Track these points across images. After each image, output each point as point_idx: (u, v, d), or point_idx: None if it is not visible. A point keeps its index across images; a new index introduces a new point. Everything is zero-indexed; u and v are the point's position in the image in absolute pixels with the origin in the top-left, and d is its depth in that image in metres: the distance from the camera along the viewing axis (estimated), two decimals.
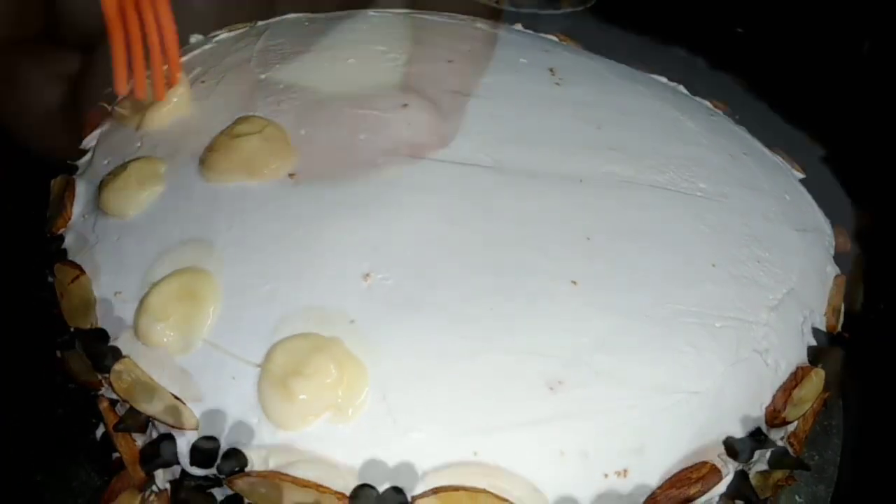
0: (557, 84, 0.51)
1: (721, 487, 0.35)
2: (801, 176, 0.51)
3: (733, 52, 0.86)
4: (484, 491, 0.32)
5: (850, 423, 0.48)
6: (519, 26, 0.62)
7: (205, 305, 0.37)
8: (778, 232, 0.44)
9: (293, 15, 0.58)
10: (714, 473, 0.35)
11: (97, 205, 0.43)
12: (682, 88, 0.57)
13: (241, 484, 0.32)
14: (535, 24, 0.63)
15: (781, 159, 0.52)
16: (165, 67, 0.40)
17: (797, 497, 0.44)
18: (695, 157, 0.47)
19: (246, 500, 0.34)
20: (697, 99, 0.57)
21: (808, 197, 0.49)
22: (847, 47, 0.85)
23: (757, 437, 0.36)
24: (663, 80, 0.58)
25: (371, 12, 0.57)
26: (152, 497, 0.36)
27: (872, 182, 0.68)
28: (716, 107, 0.56)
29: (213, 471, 0.33)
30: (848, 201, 0.51)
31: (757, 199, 0.46)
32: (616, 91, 0.51)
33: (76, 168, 0.47)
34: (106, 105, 0.50)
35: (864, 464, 0.47)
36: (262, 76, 0.49)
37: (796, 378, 0.38)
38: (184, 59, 0.54)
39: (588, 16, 0.88)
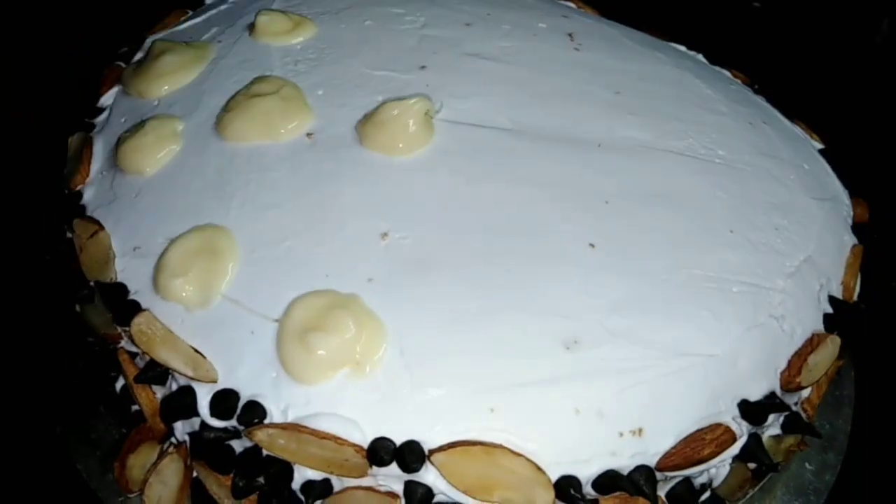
0: (576, 49, 0.50)
1: (735, 449, 0.35)
2: (821, 146, 0.50)
3: (751, 25, 0.85)
4: (500, 446, 0.32)
5: (862, 392, 0.48)
6: None
7: (223, 261, 0.37)
8: (796, 200, 0.44)
9: None
10: (728, 435, 0.35)
11: (115, 162, 0.43)
12: (700, 57, 0.57)
13: (260, 435, 0.33)
14: None
15: (801, 129, 0.51)
16: None
17: (807, 464, 0.44)
18: (714, 124, 0.47)
19: (264, 453, 0.34)
20: (716, 68, 0.56)
21: (827, 167, 0.49)
22: (865, 23, 0.84)
23: (772, 401, 0.36)
24: (682, 48, 0.57)
25: None
26: (172, 448, 0.37)
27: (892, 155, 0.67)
28: (735, 76, 0.55)
29: (232, 422, 0.34)
30: (867, 172, 0.50)
31: (776, 167, 0.45)
32: (635, 57, 0.51)
33: (93, 126, 0.47)
34: (122, 64, 0.50)
35: (874, 433, 0.47)
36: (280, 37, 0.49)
37: (812, 344, 0.38)
38: (201, 18, 0.54)
39: None
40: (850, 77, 0.77)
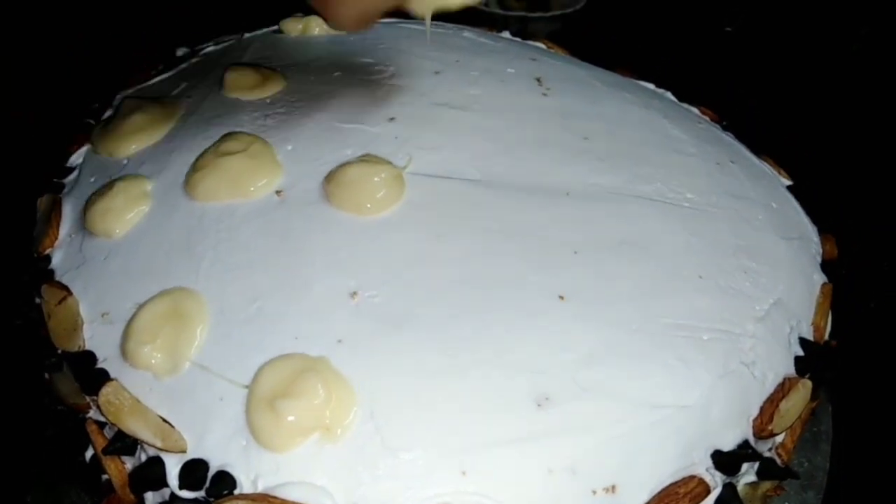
0: (545, 94, 0.51)
1: (709, 501, 0.35)
2: (789, 183, 0.51)
3: (722, 51, 0.86)
4: None
5: (839, 428, 0.48)
6: (507, 33, 0.62)
7: (192, 326, 0.37)
8: (765, 241, 0.44)
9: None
10: (702, 487, 0.35)
11: (83, 224, 0.43)
12: (669, 95, 0.57)
13: None
14: (524, 27, 0.63)
15: (769, 166, 0.52)
16: None
17: None
18: (682, 166, 0.47)
19: None
20: (685, 105, 0.57)
21: (796, 204, 0.49)
22: (838, 44, 0.86)
23: (745, 450, 0.36)
24: (651, 86, 0.58)
25: None
26: None
27: (864, 180, 0.68)
28: (703, 113, 0.56)
29: (202, 494, 0.33)
30: (836, 207, 0.51)
31: (744, 207, 0.46)
32: (603, 100, 0.51)
33: (62, 186, 0.47)
34: (91, 122, 0.50)
35: (853, 469, 0.47)
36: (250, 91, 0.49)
37: (783, 390, 0.38)
38: (172, 72, 0.54)
39: (577, 18, 0.88)
40: (822, 100, 0.78)
